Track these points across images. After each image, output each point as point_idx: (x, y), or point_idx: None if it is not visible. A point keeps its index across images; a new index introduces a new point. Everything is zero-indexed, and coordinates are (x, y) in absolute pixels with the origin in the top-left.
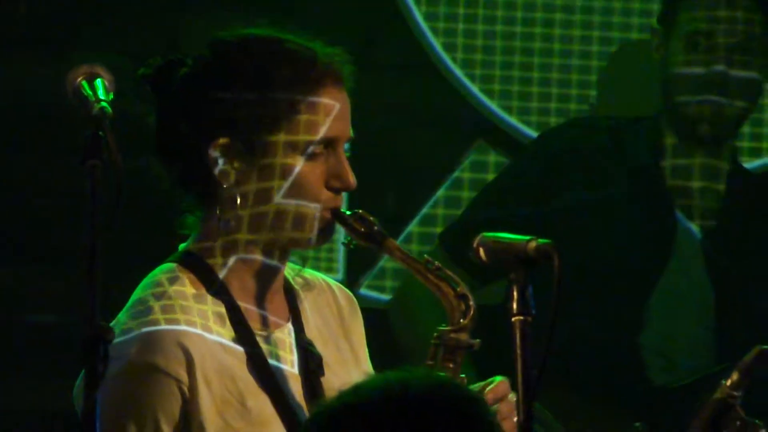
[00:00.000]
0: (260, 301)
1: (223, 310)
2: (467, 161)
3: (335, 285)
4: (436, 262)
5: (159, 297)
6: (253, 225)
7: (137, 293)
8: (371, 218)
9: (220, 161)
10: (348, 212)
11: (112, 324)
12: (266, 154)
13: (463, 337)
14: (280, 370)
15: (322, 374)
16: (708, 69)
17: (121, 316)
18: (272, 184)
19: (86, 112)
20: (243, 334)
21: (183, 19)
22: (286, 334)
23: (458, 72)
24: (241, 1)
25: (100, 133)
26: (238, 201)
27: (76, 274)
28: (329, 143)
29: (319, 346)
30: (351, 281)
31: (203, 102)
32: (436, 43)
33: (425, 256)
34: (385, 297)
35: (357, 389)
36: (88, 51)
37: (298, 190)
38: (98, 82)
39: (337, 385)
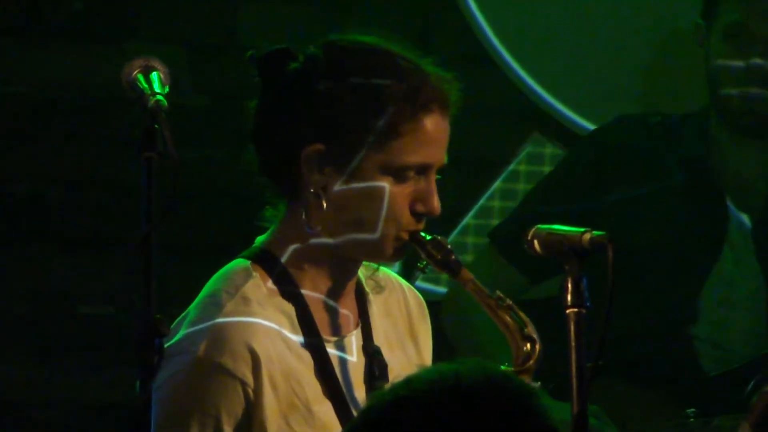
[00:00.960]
0: (331, 305)
1: (293, 312)
2: (523, 153)
3: (407, 286)
4: (508, 300)
5: (231, 294)
6: (334, 234)
7: (209, 287)
8: (449, 246)
9: (312, 165)
10: (427, 236)
11: (182, 316)
12: (359, 169)
13: (526, 379)
14: (345, 377)
15: (387, 381)
16: (747, 62)
17: (191, 309)
18: (360, 203)
19: (142, 105)
20: (312, 338)
21: (239, 10)
22: (354, 341)
23: (514, 64)
24: None
25: (156, 125)
26: (324, 207)
27: (132, 266)
28: (424, 168)
29: (386, 351)
30: (407, 272)
31: (308, 103)
32: (492, 35)
33: (497, 292)
34: (441, 289)
35: (409, 382)
36: (143, 43)
37: (380, 208)
38: (154, 74)
39: None
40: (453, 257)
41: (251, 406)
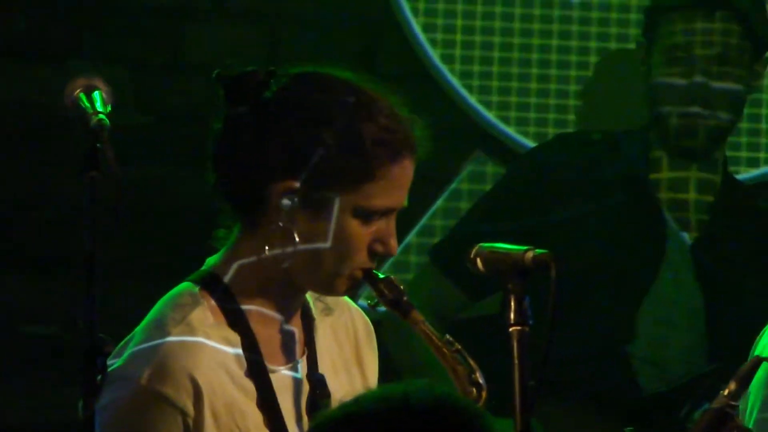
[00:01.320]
0: (277, 334)
1: (239, 342)
2: (465, 172)
3: (355, 308)
4: (457, 344)
5: (177, 321)
6: (291, 266)
7: (155, 312)
8: (401, 287)
9: (281, 201)
10: (380, 275)
11: (127, 338)
12: (328, 209)
13: None
14: (288, 406)
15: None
16: (689, 80)
17: (137, 332)
18: (320, 237)
19: (84, 124)
20: (256, 369)
21: (184, 30)
22: (300, 368)
23: (456, 83)
24: (243, 12)
25: (98, 144)
26: (286, 239)
27: (76, 285)
28: (389, 211)
29: (331, 377)
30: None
31: (282, 138)
32: (434, 55)
33: (447, 336)
34: (381, 308)
35: (358, 400)
36: (87, 61)
37: (342, 247)
38: (96, 94)
39: None
40: (404, 298)
41: None
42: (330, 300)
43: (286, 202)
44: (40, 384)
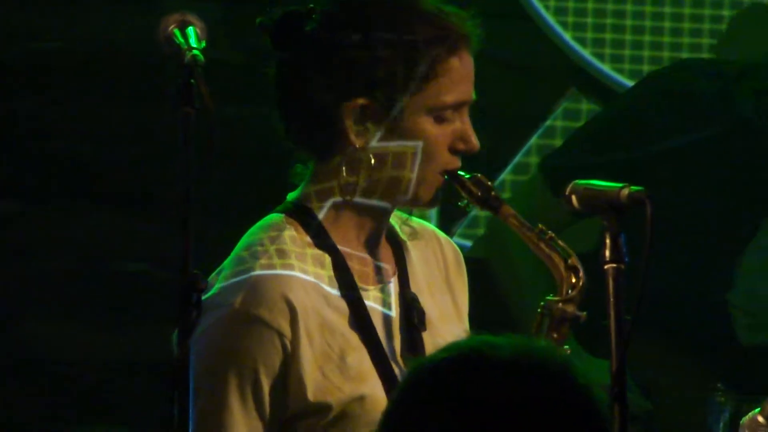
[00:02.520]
0: (365, 253)
1: (329, 262)
2: (560, 109)
3: (443, 237)
4: (549, 232)
5: (266, 246)
6: (375, 187)
7: (244, 241)
8: (488, 183)
9: (355, 121)
10: (466, 175)
11: (217, 271)
12: (403, 117)
13: (570, 309)
14: (381, 325)
15: (424, 329)
16: None
17: (226, 264)
18: (403, 148)
19: (178, 60)
20: (347, 288)
21: None
22: (390, 289)
23: (551, 20)
24: None
25: (192, 80)
26: (372, 162)
27: (170, 222)
28: (458, 107)
29: (424, 299)
30: (443, 230)
31: (339, 60)
32: None
33: (539, 225)
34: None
35: (454, 348)
36: None
37: (425, 152)
38: (190, 29)
39: (440, 339)
40: (493, 193)
41: (288, 357)
42: (417, 226)
43: (356, 118)
44: (131, 321)
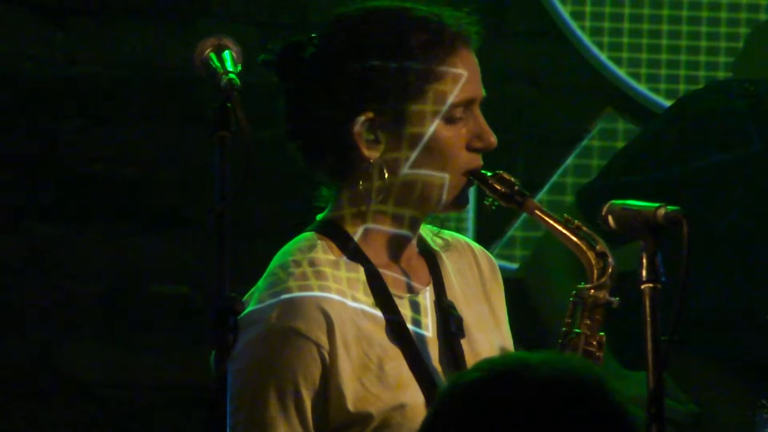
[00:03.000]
0: (398, 265)
1: (361, 275)
2: (596, 129)
3: (477, 247)
4: (576, 221)
5: (299, 264)
6: (398, 196)
7: (276, 261)
8: (512, 179)
9: (366, 135)
10: (488, 173)
11: (252, 290)
12: (411, 123)
13: (602, 294)
14: (419, 334)
15: (463, 336)
16: None
17: (261, 282)
18: (418, 156)
19: (215, 84)
20: (381, 298)
21: None
22: (426, 297)
23: (587, 40)
24: None
25: (228, 104)
26: (385, 173)
27: (206, 245)
28: (467, 105)
29: (461, 308)
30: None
31: (341, 78)
32: (564, 11)
33: (565, 215)
34: (515, 266)
35: (488, 366)
36: (215, 22)
37: (440, 155)
38: (226, 53)
39: (478, 347)
40: (517, 188)
41: (327, 369)
42: (450, 239)
43: (367, 134)
44: (170, 343)
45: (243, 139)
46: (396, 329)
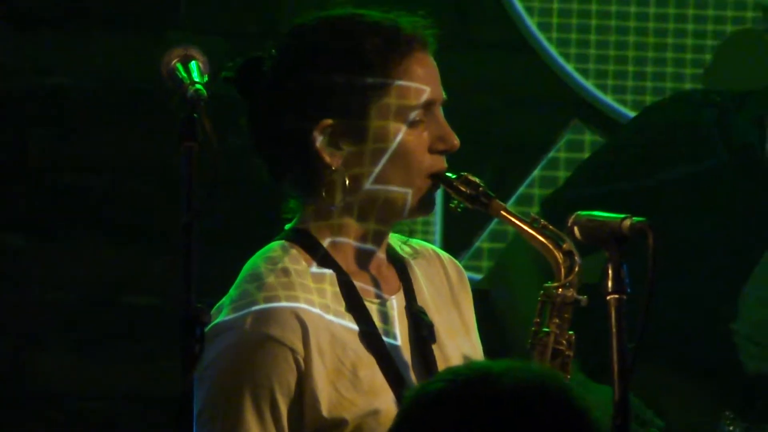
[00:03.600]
0: (367, 273)
1: (334, 279)
2: (563, 141)
3: (444, 255)
4: (542, 221)
5: (270, 268)
6: (362, 209)
7: (246, 270)
8: (476, 179)
9: (327, 144)
10: (453, 175)
11: (221, 301)
12: (372, 129)
13: (570, 293)
14: (390, 340)
15: (434, 341)
16: None
17: (231, 292)
18: (381, 160)
19: (181, 94)
20: (353, 304)
21: None
22: (396, 304)
23: (553, 51)
24: None
25: (195, 115)
26: (347, 183)
27: (175, 255)
28: (427, 107)
29: (431, 314)
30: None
31: (299, 88)
32: (531, 23)
33: (531, 214)
34: (480, 276)
35: (452, 376)
36: (184, 33)
37: (403, 160)
38: (193, 64)
39: (449, 353)
40: (481, 189)
41: (302, 375)
42: (418, 247)
43: (327, 140)
44: (140, 354)
45: (210, 149)
46: (368, 336)
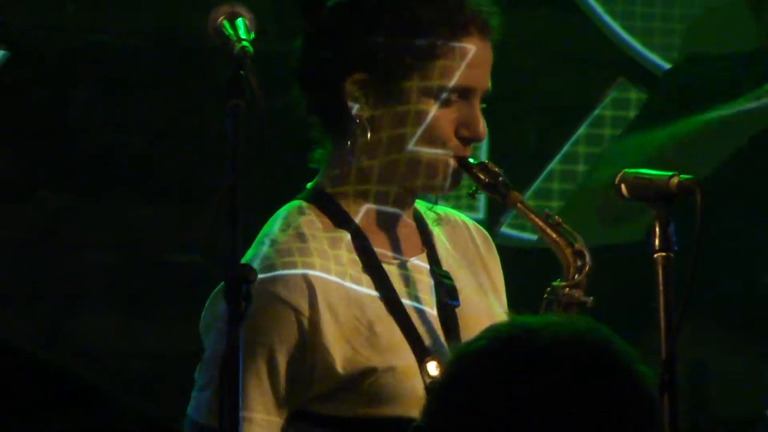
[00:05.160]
0: (386, 235)
1: (349, 239)
2: (608, 98)
3: (471, 222)
4: (556, 217)
5: (285, 230)
6: (384, 171)
7: (265, 228)
8: (496, 169)
9: (356, 96)
10: (474, 161)
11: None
12: (401, 96)
13: (577, 293)
14: (410, 302)
15: (457, 303)
16: None
17: (250, 250)
18: (405, 128)
19: (228, 52)
20: (371, 267)
21: None
22: (418, 264)
23: (599, 9)
24: None
25: (242, 72)
26: (369, 136)
27: (217, 215)
28: (464, 92)
29: (458, 277)
30: (492, 220)
31: (346, 34)
32: None
33: (546, 210)
34: (526, 236)
35: (494, 333)
36: None
37: (429, 135)
38: (239, 21)
39: (476, 313)
40: (501, 179)
41: (306, 334)
42: (442, 213)
43: (358, 93)
44: (183, 312)
45: (256, 107)
46: (386, 298)
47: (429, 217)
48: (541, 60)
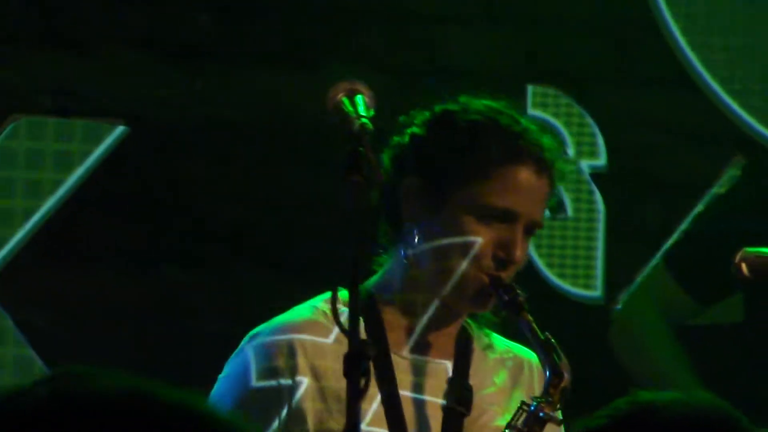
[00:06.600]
0: (418, 329)
1: (344, 340)
2: (726, 176)
3: (536, 364)
4: (553, 340)
5: (296, 312)
6: (424, 268)
7: (289, 312)
8: (519, 291)
9: (410, 198)
10: (504, 284)
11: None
12: (446, 205)
13: (548, 410)
14: (414, 392)
15: (467, 414)
16: None
17: (266, 324)
18: (446, 240)
19: (347, 128)
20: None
21: (438, 33)
22: (439, 367)
23: (716, 86)
24: (495, 13)
25: (361, 148)
26: (416, 239)
27: (328, 285)
28: (507, 214)
29: (494, 400)
30: (608, 298)
31: (414, 146)
32: (694, 58)
33: (547, 333)
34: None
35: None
36: (343, 65)
37: (466, 248)
38: (359, 98)
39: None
40: (521, 299)
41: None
42: (508, 348)
43: (412, 199)
44: None
45: (375, 183)
46: (386, 387)
47: (479, 340)
48: (658, 137)
